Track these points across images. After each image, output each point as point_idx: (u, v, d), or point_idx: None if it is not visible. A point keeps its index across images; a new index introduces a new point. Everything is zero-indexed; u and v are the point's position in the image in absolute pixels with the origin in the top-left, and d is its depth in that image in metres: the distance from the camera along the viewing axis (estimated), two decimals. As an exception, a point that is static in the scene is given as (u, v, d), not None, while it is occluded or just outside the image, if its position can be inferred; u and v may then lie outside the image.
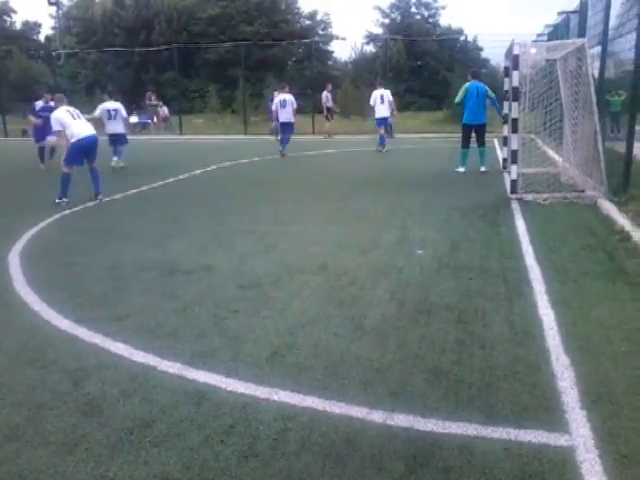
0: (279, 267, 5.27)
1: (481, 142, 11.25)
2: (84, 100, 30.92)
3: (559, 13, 15.43)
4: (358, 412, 2.81)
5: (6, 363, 3.43)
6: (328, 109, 21.69)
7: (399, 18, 48.95)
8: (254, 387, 3.06)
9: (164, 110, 28.74)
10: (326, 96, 21.59)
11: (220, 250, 5.93)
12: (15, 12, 53.36)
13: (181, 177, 11.58)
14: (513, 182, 8.30)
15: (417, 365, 3.28)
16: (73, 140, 8.48)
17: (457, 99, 11.18)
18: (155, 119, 28.76)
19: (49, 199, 8.72)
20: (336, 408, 2.84)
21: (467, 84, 11.15)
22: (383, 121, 15.94)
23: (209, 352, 3.50)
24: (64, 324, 3.96)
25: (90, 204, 8.68)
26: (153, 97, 28.28)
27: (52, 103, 11.59)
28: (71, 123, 8.48)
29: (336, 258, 5.51)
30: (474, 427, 2.64)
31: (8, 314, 4.24)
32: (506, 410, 2.78)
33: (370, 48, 46.48)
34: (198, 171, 12.44)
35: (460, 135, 11.62)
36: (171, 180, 11.18)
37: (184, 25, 45.07)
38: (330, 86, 22.42)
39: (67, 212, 8.08)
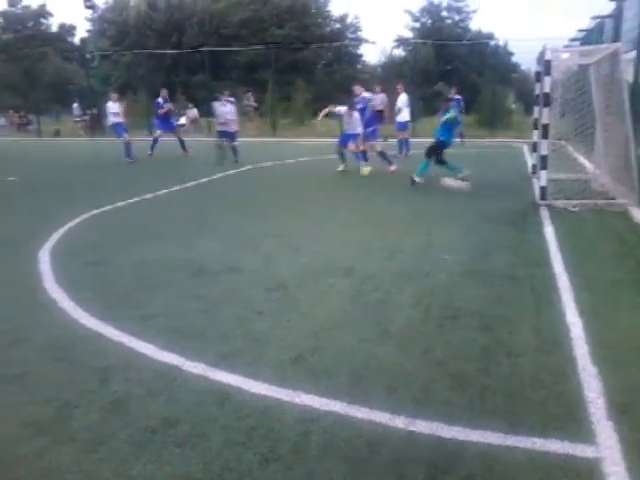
0: (305, 270, 5.28)
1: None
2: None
3: (593, 18, 15.18)
4: (381, 417, 2.79)
5: (35, 360, 3.50)
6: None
7: (429, 22, 48.69)
8: (277, 389, 3.07)
9: (194, 112, 29.03)
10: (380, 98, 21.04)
11: (246, 252, 5.97)
12: (52, 15, 54.47)
13: (207, 179, 11.66)
14: (542, 188, 8.19)
15: (441, 371, 3.26)
16: None
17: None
18: (184, 120, 29.05)
19: (79, 197, 8.86)
20: (359, 413, 2.84)
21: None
22: (404, 125, 15.74)
23: (233, 353, 3.52)
24: (91, 322, 4.02)
25: (120, 204, 8.80)
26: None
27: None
28: None
29: (362, 262, 5.50)
30: (498, 435, 2.61)
31: (37, 312, 4.32)
32: (531, 419, 2.74)
33: (400, 52, 46.33)
34: (223, 174, 12.52)
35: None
36: (194, 183, 11.27)
37: (215, 28, 45.46)
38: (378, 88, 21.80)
39: (96, 211, 8.21)
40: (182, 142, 16.46)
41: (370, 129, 12.32)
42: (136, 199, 9.18)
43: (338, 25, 49.93)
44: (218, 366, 3.33)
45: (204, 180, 11.48)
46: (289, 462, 2.47)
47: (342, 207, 8.60)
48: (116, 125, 15.68)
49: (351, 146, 12.08)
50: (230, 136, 14.33)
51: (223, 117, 14.25)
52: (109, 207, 8.53)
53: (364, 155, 12.17)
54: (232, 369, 3.29)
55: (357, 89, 13.37)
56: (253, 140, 23.27)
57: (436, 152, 10.14)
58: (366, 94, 13.34)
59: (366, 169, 11.94)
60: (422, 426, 2.71)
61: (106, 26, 47.99)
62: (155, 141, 16.36)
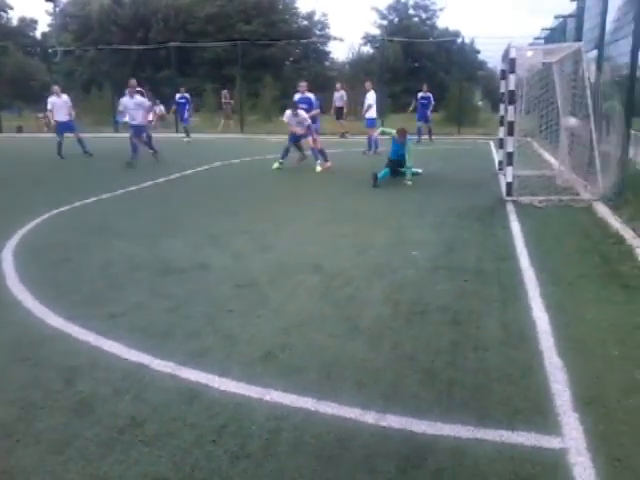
0: (274, 266, 5.26)
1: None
2: (81, 97, 30.85)
3: (556, 17, 15.48)
4: (351, 413, 2.80)
5: (-2, 361, 3.41)
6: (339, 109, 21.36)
7: (396, 20, 49.00)
8: (247, 387, 3.05)
9: (160, 108, 28.65)
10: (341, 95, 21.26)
11: (215, 249, 5.92)
12: (12, 8, 53.15)
13: (173, 177, 11.53)
14: (508, 184, 8.31)
15: (411, 366, 3.28)
16: None
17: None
18: (151, 117, 28.62)
19: (43, 195, 8.66)
20: (329, 409, 2.84)
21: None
22: (373, 122, 15.92)
23: (202, 351, 3.48)
24: (57, 322, 3.94)
25: (87, 201, 8.63)
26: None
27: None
28: None
29: (331, 258, 5.50)
30: (467, 429, 2.64)
31: (1, 311, 4.22)
32: (499, 412, 2.78)
33: (367, 49, 46.50)
34: (191, 170, 12.40)
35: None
36: (163, 180, 11.13)
37: (181, 24, 44.96)
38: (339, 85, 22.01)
39: (63, 209, 8.04)
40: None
41: (315, 125, 12.92)
42: (94, 198, 8.99)
43: (305, 22, 49.90)
44: (187, 364, 3.29)
45: (162, 179, 11.34)
46: (259, 459, 2.46)
47: (310, 204, 8.59)
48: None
49: (309, 141, 12.27)
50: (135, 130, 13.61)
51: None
52: (69, 206, 8.33)
53: (320, 152, 12.31)
54: (201, 367, 3.26)
55: (302, 86, 13.41)
56: (220, 137, 23.11)
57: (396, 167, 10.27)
58: (309, 95, 13.36)
59: (319, 167, 12.08)
60: (392, 421, 2.72)
61: (68, 20, 47.07)
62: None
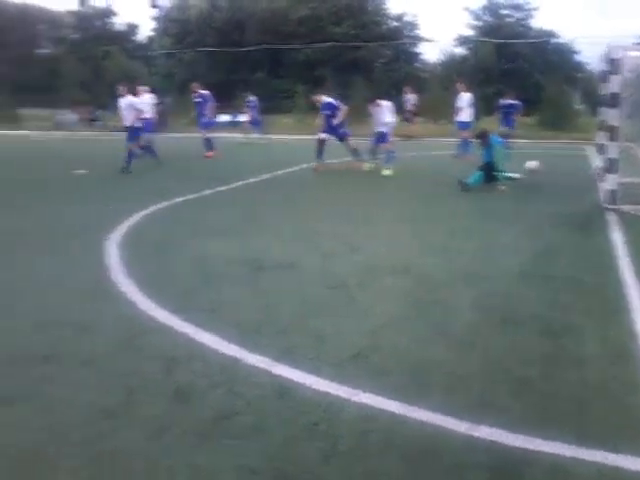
0: (363, 268, 5.28)
1: None
2: (178, 99, 32.16)
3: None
4: (441, 420, 2.77)
5: (104, 349, 3.61)
6: (410, 112, 21.43)
7: (490, 20, 47.74)
8: (337, 386, 3.08)
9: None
10: (410, 98, 21.34)
11: (304, 249, 6.01)
12: (116, 14, 56.07)
13: (263, 177, 11.79)
14: (610, 192, 7.92)
15: (503, 376, 3.20)
16: None
17: None
18: (244, 118, 29.45)
19: (142, 192, 9.10)
20: (418, 414, 2.82)
21: None
22: (466, 125, 15.53)
23: (294, 348, 3.56)
24: (158, 313, 4.13)
25: (179, 199, 9.00)
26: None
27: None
28: None
29: (419, 262, 5.46)
30: (565, 447, 2.52)
31: (106, 302, 4.47)
32: (600, 431, 2.66)
33: (460, 50, 45.67)
34: (281, 171, 12.64)
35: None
36: (253, 180, 11.41)
37: (275, 26, 45.92)
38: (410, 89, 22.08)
39: (161, 205, 8.42)
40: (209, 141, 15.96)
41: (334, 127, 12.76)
42: (194, 195, 9.36)
43: (396, 23, 49.54)
44: (279, 360, 3.37)
45: (254, 180, 11.61)
46: (349, 460, 2.48)
47: (397, 207, 8.56)
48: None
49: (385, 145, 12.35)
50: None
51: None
52: (168, 203, 8.71)
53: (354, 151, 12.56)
54: (293, 364, 3.32)
55: (317, 98, 13.43)
56: (309, 138, 23.38)
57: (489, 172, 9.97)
58: (328, 99, 13.19)
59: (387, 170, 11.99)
60: (483, 431, 2.66)
61: (169, 25, 49.14)
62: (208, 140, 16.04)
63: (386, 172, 11.89)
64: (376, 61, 45.38)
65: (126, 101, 12.98)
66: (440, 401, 2.93)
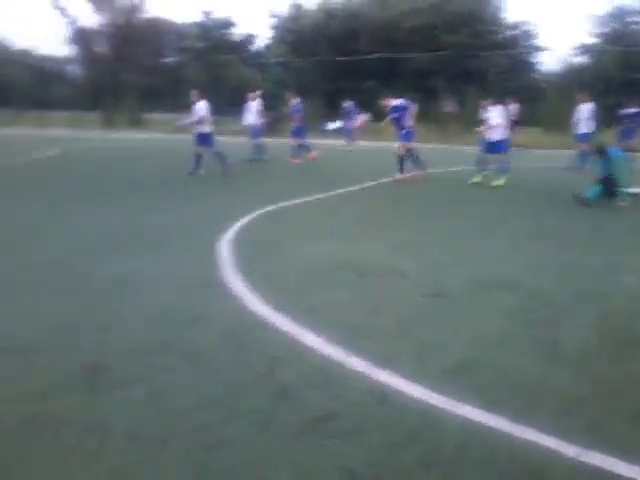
0: (469, 280, 5.15)
1: None
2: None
3: None
4: (547, 441, 2.63)
5: (212, 342, 3.76)
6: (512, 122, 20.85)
7: (614, 28, 45.11)
8: (437, 396, 3.01)
9: (363, 117, 29.55)
10: (512, 108, 20.76)
11: (412, 256, 5.96)
12: (235, 25, 58.51)
13: (370, 184, 11.80)
14: None
15: (619, 403, 3.00)
16: None
17: None
18: (354, 125, 29.76)
19: (258, 193, 9.40)
20: (524, 433, 2.70)
21: None
22: (585, 137, 14.69)
23: (396, 355, 3.52)
24: (263, 310, 4.25)
25: (288, 202, 9.22)
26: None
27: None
28: None
29: (531, 277, 5.24)
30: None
31: (215, 296, 4.66)
32: None
33: (579, 59, 43.54)
34: (388, 179, 12.60)
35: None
36: (372, 184, 11.44)
37: (388, 35, 45.97)
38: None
39: (271, 207, 8.67)
40: (303, 147, 16.34)
41: (403, 131, 12.43)
42: (304, 199, 9.55)
43: (512, 32, 48.02)
44: (380, 366, 3.35)
45: (370, 184, 11.64)
46: (447, 471, 2.42)
47: (506, 220, 8.27)
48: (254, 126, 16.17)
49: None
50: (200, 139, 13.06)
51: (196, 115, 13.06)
52: (278, 205, 8.93)
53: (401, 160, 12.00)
54: (394, 370, 3.29)
55: (385, 102, 13.01)
56: (422, 146, 23.17)
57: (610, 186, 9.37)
58: (397, 101, 12.81)
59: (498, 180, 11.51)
60: (596, 459, 2.50)
61: (285, 34, 50.56)
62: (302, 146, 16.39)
63: (497, 183, 11.52)
64: (491, 70, 44.22)
65: (198, 107, 12.95)
66: (547, 421, 2.79)
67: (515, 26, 47.93)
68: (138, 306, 4.40)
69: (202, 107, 13.05)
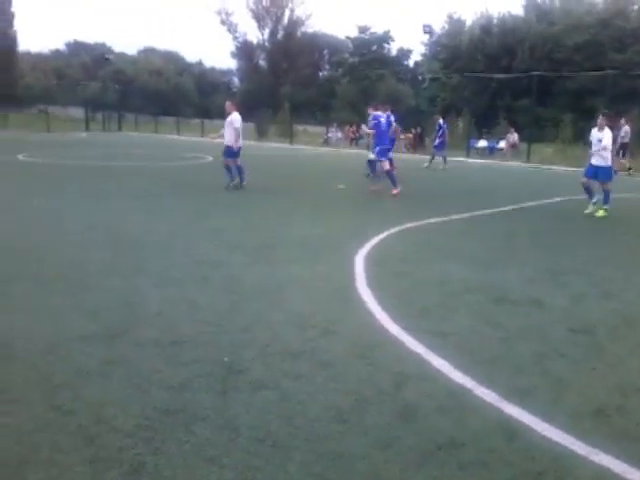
0: (616, 316, 4.79)
1: None
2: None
3: None
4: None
5: (341, 352, 3.84)
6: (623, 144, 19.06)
7: None
8: (571, 440, 2.84)
9: (514, 137, 28.61)
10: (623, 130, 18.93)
11: (550, 286, 5.66)
12: (393, 40, 59.16)
13: (511, 207, 11.33)
14: None
15: None
16: None
17: None
18: (504, 144, 28.92)
19: (393, 211, 9.41)
20: (667, 492, 2.48)
21: None
22: None
23: (528, 390, 3.38)
24: (393, 328, 4.27)
25: (432, 220, 9.14)
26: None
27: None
28: None
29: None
30: None
31: (348, 309, 4.75)
32: None
33: None
34: (536, 202, 12.04)
35: None
36: (508, 208, 11.04)
37: (547, 52, 43.98)
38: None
39: (409, 225, 8.66)
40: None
41: (377, 148, 12.38)
42: (440, 219, 9.43)
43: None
44: (510, 399, 3.23)
45: (506, 208, 11.21)
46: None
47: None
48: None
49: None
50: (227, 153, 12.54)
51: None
52: (414, 224, 8.90)
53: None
54: (525, 406, 3.16)
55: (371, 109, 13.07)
56: (573, 170, 21.91)
57: None
58: (378, 112, 12.69)
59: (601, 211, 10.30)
60: None
61: (439, 50, 50.22)
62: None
63: (601, 213, 10.30)
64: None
65: (229, 119, 12.39)
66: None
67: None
68: (277, 312, 4.61)
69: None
